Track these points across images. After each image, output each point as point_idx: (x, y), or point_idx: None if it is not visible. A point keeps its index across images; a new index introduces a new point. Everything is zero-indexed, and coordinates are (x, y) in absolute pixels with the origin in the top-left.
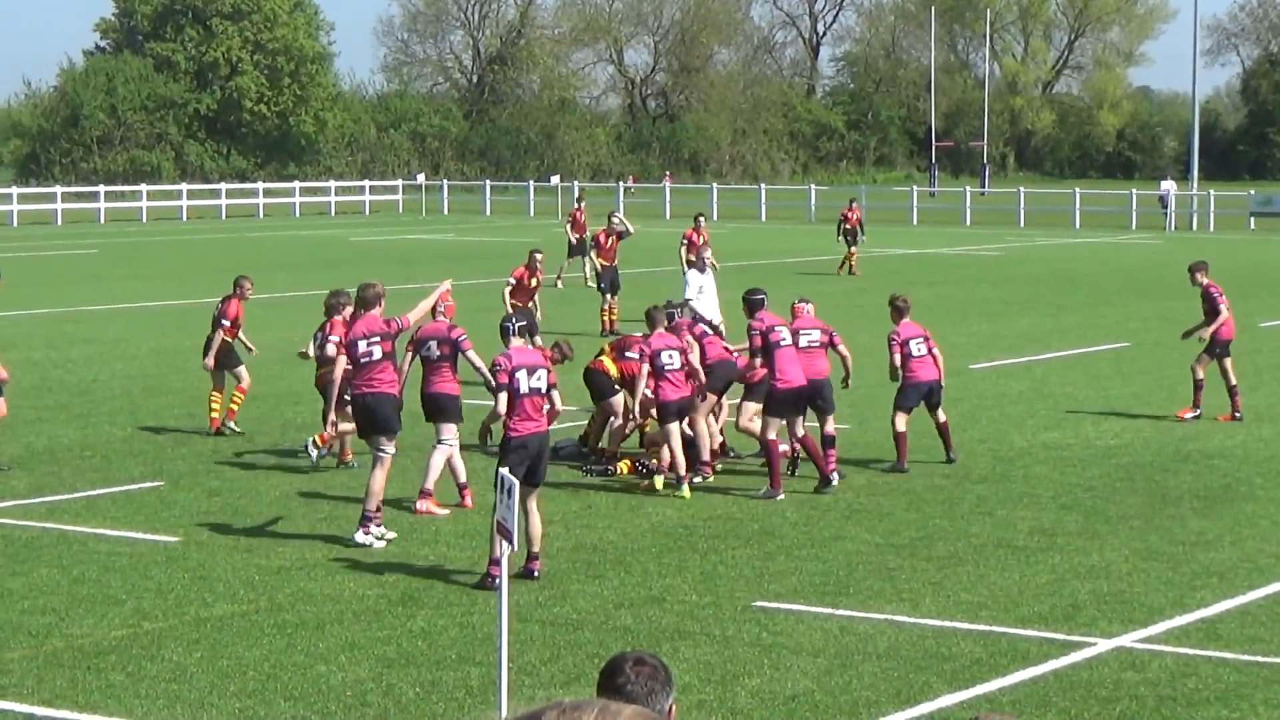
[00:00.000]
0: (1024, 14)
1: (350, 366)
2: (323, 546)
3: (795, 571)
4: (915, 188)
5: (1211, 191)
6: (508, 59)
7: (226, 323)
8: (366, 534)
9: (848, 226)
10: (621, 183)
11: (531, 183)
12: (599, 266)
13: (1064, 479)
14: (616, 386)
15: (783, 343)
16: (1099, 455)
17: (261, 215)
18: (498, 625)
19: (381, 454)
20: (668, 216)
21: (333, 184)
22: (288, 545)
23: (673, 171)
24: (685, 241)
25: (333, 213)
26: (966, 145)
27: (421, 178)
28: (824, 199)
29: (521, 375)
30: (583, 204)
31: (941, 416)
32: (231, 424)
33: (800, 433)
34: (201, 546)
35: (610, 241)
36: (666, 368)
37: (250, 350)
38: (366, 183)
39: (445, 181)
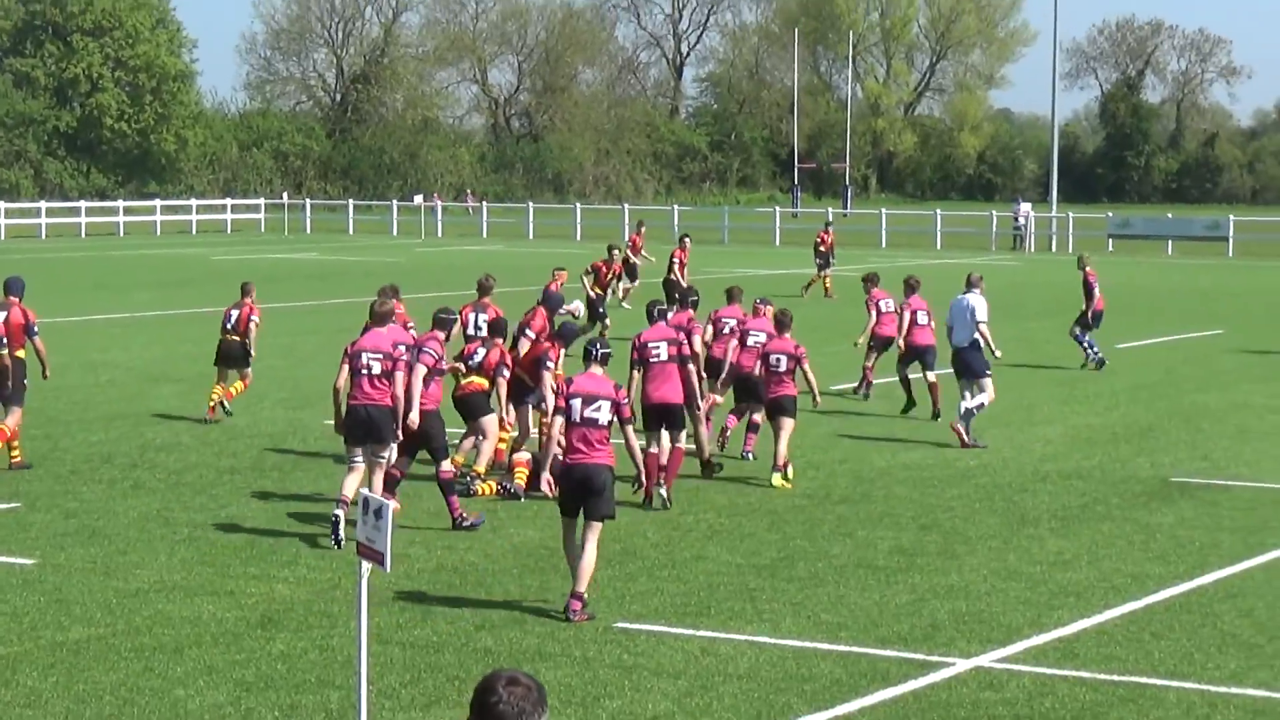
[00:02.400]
0: (886, 36)
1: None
2: (181, 569)
3: (656, 592)
4: (778, 209)
5: (1070, 214)
6: (371, 77)
7: (228, 326)
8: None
9: (822, 249)
10: (464, 200)
11: (395, 202)
12: (592, 295)
13: (924, 499)
14: (491, 407)
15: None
16: (958, 476)
17: (122, 234)
18: (357, 648)
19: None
20: (531, 236)
21: (194, 202)
22: (146, 567)
23: (534, 192)
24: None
25: (194, 231)
26: (829, 167)
27: (284, 196)
28: (686, 219)
29: (577, 403)
30: (643, 229)
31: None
32: (227, 404)
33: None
34: (58, 569)
35: (611, 271)
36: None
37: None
38: (229, 201)
39: (308, 200)
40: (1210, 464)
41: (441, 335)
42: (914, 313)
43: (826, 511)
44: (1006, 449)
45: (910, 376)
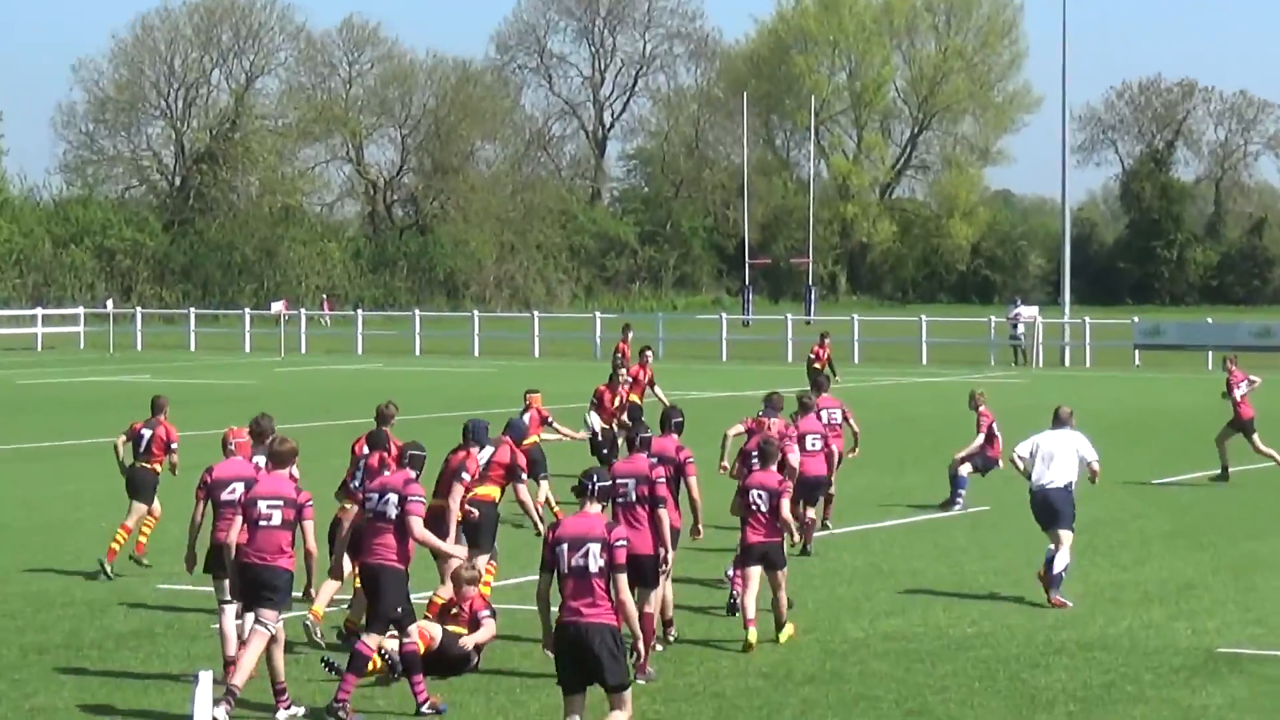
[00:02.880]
0: (857, 102)
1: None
2: None
3: None
4: (725, 315)
5: (1087, 319)
6: (219, 156)
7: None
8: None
9: (817, 365)
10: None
11: (248, 310)
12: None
13: (910, 678)
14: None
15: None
16: (953, 647)
17: None
18: None
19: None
20: (417, 352)
21: None
22: None
23: (421, 297)
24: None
25: None
26: (788, 263)
27: (110, 304)
28: (611, 329)
29: (563, 549)
30: (629, 334)
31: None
32: (140, 556)
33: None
34: None
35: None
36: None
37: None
38: (39, 311)
39: (139, 309)
40: (1267, 630)
41: (414, 475)
42: (802, 437)
43: (788, 695)
44: (1012, 613)
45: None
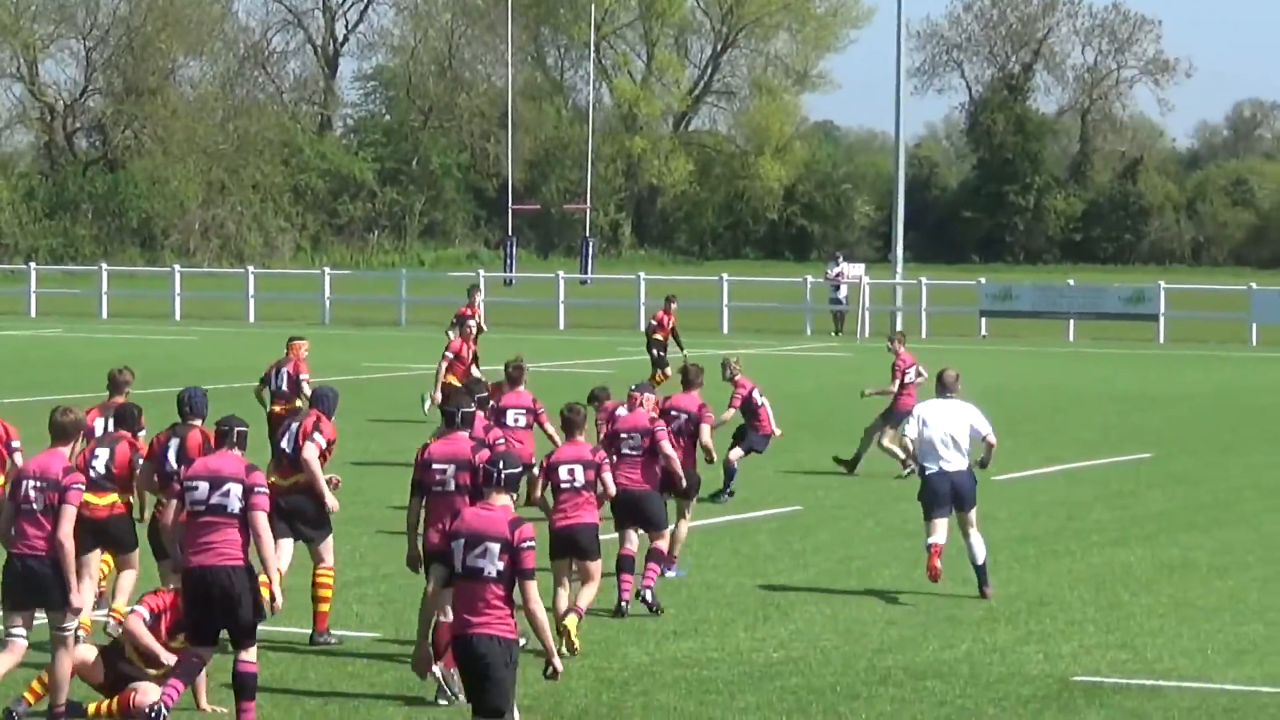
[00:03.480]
0: (647, 13)
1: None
2: None
3: None
4: (483, 272)
5: (924, 280)
6: None
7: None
8: None
9: (659, 336)
10: None
11: None
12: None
13: (704, 712)
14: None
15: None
16: (756, 675)
17: None
18: None
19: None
20: (104, 315)
21: None
22: None
23: (109, 248)
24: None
25: None
26: (560, 210)
27: None
28: (344, 288)
29: (459, 546)
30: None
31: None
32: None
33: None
34: None
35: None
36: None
37: None
38: None
39: None
40: (1132, 655)
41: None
42: (665, 412)
43: None
44: (828, 633)
45: None
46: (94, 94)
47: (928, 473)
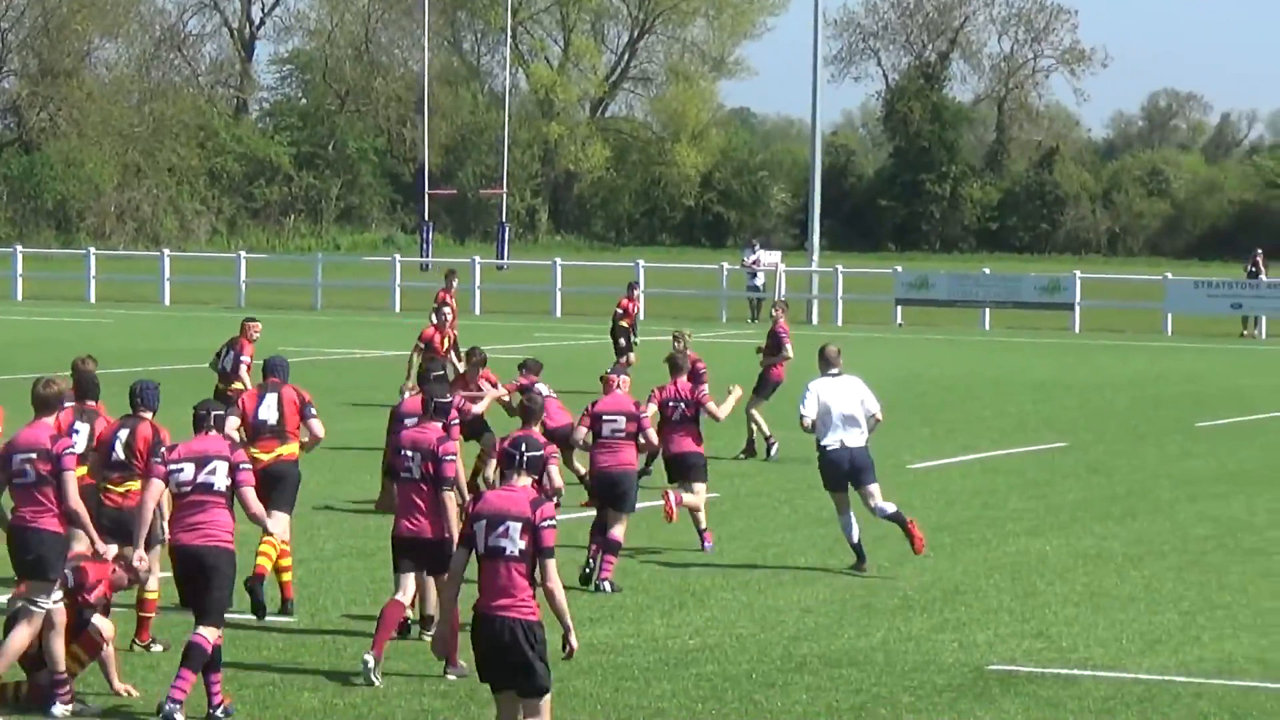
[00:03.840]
0: None
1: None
2: None
3: None
4: (399, 258)
5: (840, 268)
6: None
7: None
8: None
9: (624, 323)
10: None
11: None
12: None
13: (619, 699)
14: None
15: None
16: (671, 662)
17: None
18: None
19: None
20: (19, 297)
21: None
22: None
23: (24, 230)
24: (620, 310)
25: None
26: (476, 195)
27: None
28: (260, 271)
29: (481, 527)
30: (454, 283)
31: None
32: None
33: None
34: None
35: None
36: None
37: None
38: None
39: None
40: (1047, 644)
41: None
42: (664, 404)
43: (470, 718)
44: (743, 620)
45: None
46: (9, 75)
47: (829, 449)
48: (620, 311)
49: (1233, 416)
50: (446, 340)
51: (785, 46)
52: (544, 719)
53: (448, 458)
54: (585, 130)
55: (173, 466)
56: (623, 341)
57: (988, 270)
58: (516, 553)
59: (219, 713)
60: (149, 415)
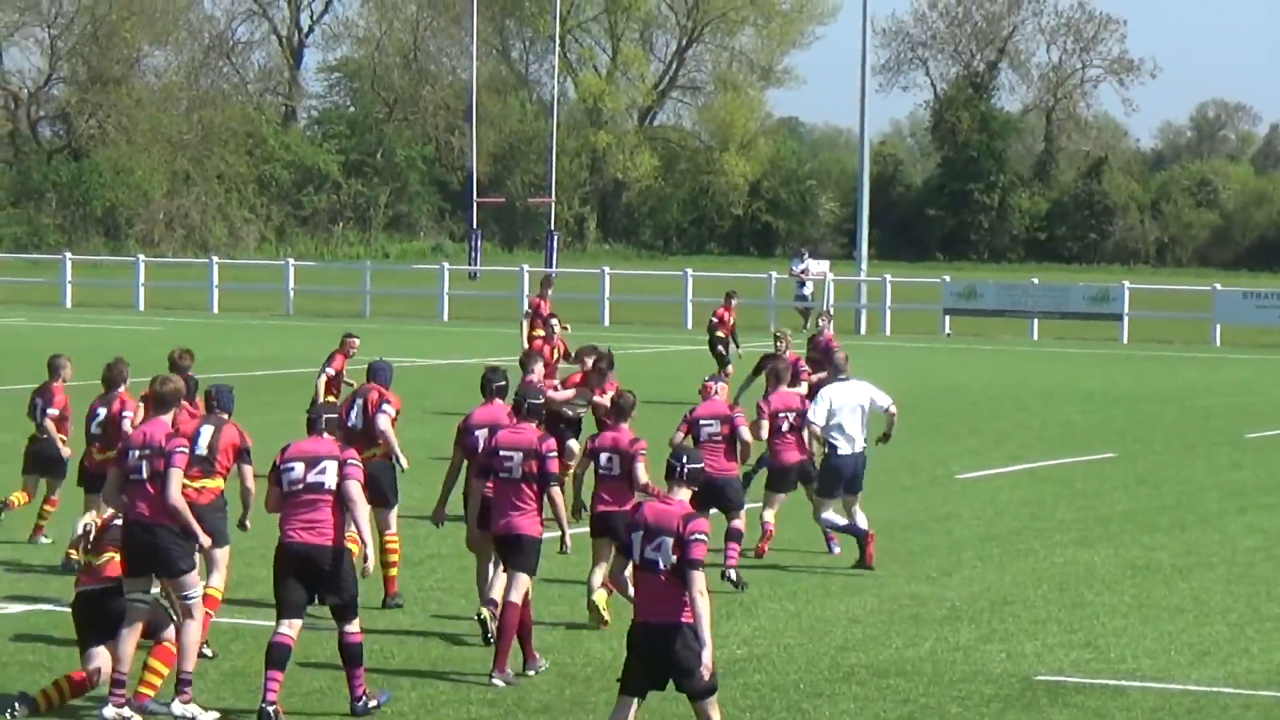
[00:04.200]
0: (612, 6)
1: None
2: None
3: None
4: (447, 265)
5: (888, 277)
6: None
7: (54, 411)
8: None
9: (721, 333)
10: None
11: None
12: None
13: (667, 708)
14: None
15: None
16: (720, 672)
17: None
18: None
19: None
20: (68, 304)
21: None
22: None
23: (73, 237)
24: (715, 320)
25: None
26: (525, 203)
27: None
28: (308, 279)
29: (638, 538)
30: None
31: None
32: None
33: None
34: None
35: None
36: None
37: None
38: None
39: None
40: (1095, 655)
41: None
42: (774, 414)
43: None
44: (791, 630)
45: None
46: (58, 82)
47: (840, 453)
48: (715, 321)
49: None
50: (556, 352)
51: (834, 55)
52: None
53: (550, 454)
54: (633, 139)
55: (283, 466)
56: (721, 350)
57: (1036, 280)
58: (669, 566)
59: (360, 705)
60: (226, 417)
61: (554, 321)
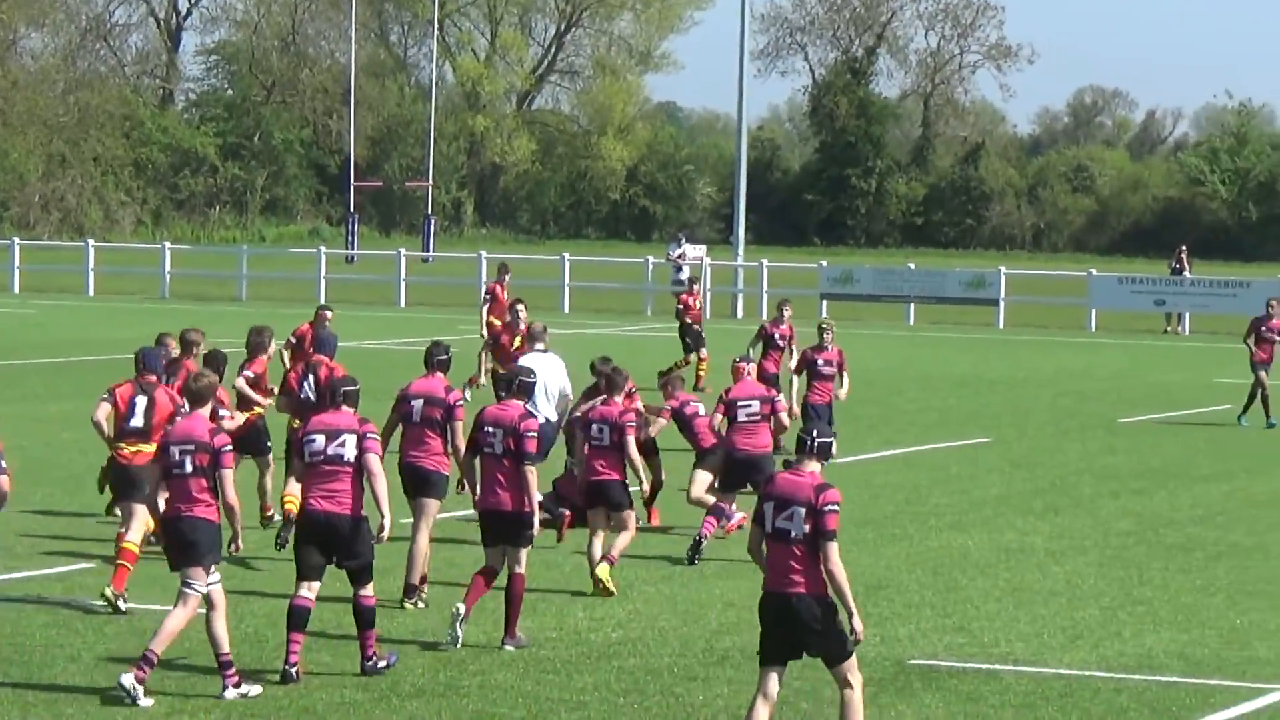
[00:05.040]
0: None
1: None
2: None
3: None
4: (324, 249)
5: (765, 262)
6: None
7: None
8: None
9: (689, 319)
10: None
11: None
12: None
13: (540, 691)
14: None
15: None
16: (594, 656)
17: None
18: None
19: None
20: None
21: None
22: None
23: None
24: (682, 307)
25: None
26: (402, 187)
27: None
28: (185, 262)
29: (769, 508)
30: (505, 277)
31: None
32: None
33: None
34: None
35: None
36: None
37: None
38: None
39: None
40: (970, 639)
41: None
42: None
43: (391, 711)
44: (666, 614)
45: None
46: None
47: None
48: (681, 308)
49: (1155, 413)
50: (518, 339)
51: (712, 41)
52: (854, 687)
53: (529, 434)
54: (511, 123)
55: (305, 438)
56: (688, 340)
57: (913, 265)
58: (801, 536)
59: (369, 664)
60: (155, 380)
61: (519, 308)
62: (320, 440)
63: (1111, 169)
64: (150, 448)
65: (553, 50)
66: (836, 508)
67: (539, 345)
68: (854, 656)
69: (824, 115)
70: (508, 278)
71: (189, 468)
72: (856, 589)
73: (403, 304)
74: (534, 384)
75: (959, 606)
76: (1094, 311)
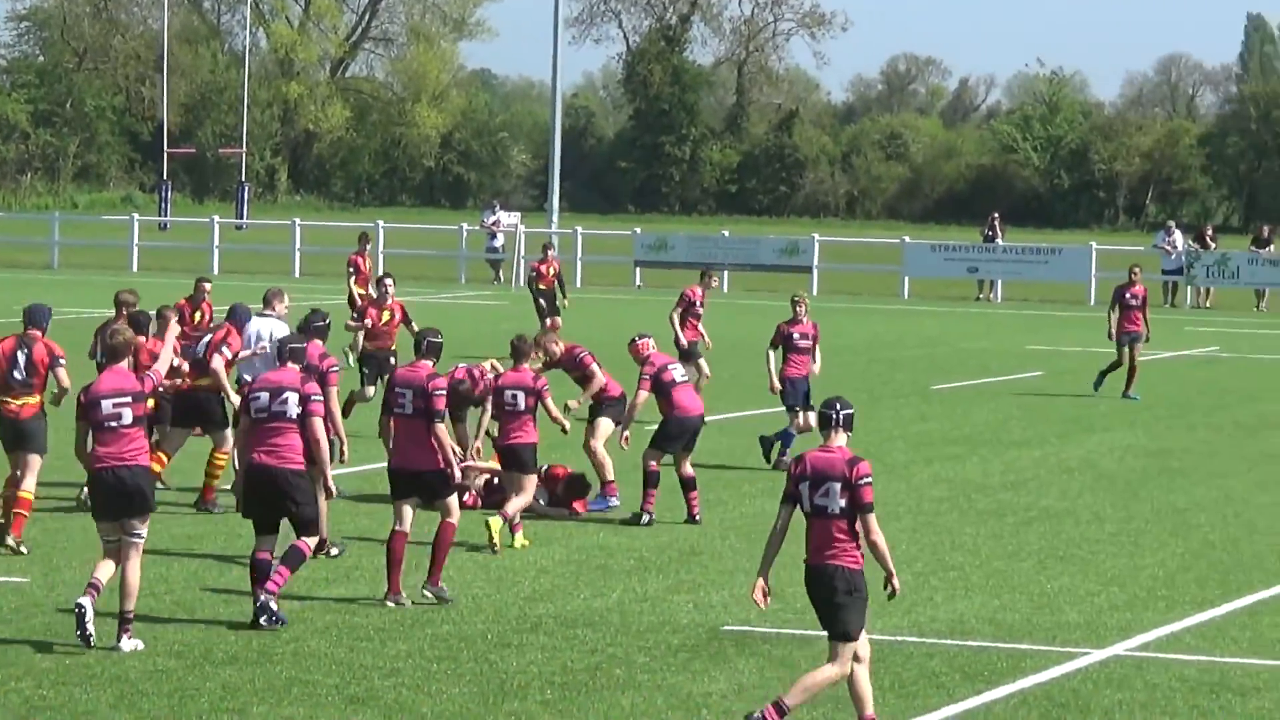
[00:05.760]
0: None
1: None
2: None
3: None
4: (137, 217)
5: (579, 229)
6: None
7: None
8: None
9: (543, 286)
10: None
11: None
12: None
13: (354, 659)
14: None
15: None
16: (407, 624)
17: None
18: None
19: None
20: None
21: None
22: None
23: None
24: (535, 274)
25: None
26: (216, 154)
27: None
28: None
29: (805, 488)
30: (366, 244)
31: None
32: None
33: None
34: None
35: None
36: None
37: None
38: None
39: None
40: (781, 605)
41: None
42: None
43: (205, 679)
44: (479, 580)
45: None
46: None
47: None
48: (534, 274)
49: (967, 379)
50: (390, 314)
51: (526, 7)
52: (840, 665)
53: (436, 392)
54: (325, 90)
55: (250, 395)
56: (542, 303)
57: (727, 233)
58: (838, 510)
59: (260, 602)
60: (38, 334)
61: (388, 282)
62: (265, 397)
63: (925, 136)
64: (35, 400)
65: (367, 17)
66: (870, 480)
67: (268, 311)
68: (852, 645)
69: (638, 83)
70: (369, 247)
71: (128, 419)
72: (670, 555)
73: (216, 270)
74: (441, 344)
75: (773, 573)
76: (907, 279)
